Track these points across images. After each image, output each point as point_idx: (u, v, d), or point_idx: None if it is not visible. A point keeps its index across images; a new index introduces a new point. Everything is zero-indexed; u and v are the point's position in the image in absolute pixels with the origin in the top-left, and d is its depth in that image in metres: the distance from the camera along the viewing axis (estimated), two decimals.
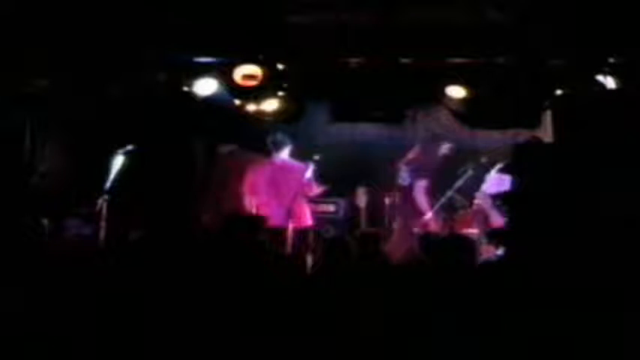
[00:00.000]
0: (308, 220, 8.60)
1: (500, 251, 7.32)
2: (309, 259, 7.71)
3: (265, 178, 8.57)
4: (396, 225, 9.01)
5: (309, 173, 8.40)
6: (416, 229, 8.65)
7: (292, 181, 8.39)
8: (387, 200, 9.33)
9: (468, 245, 5.01)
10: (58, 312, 4.24)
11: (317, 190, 8.60)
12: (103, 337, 4.15)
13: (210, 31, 7.87)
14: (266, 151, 8.90)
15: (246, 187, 8.68)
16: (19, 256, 4.74)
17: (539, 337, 3.96)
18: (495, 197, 8.23)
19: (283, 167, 8.56)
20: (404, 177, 8.98)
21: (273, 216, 7.95)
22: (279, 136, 8.69)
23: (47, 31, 7.60)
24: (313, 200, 8.82)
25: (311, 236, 8.55)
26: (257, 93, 8.48)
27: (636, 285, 4.18)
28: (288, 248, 8.03)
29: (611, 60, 7.48)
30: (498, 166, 8.20)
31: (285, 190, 8.34)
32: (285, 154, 8.65)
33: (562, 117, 5.69)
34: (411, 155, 9.10)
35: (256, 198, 8.56)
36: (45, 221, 6.33)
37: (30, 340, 4.10)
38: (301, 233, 8.41)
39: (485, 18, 7.42)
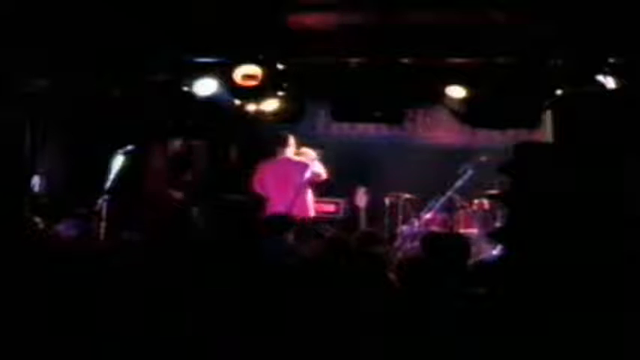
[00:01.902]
0: (309, 212, 8.54)
1: (496, 251, 7.35)
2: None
3: (273, 175, 8.54)
4: None
5: (315, 164, 8.38)
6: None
7: (298, 176, 8.36)
8: (386, 200, 9.33)
9: (467, 245, 5.01)
10: (56, 311, 4.24)
11: (325, 175, 8.55)
12: (103, 336, 4.15)
13: (210, 31, 7.87)
14: (266, 151, 8.91)
15: (255, 184, 8.66)
16: (18, 256, 4.74)
17: (538, 336, 3.96)
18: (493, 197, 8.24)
19: (289, 163, 8.53)
20: None
21: (280, 210, 7.95)
22: (284, 134, 8.65)
23: (47, 31, 7.60)
24: (314, 200, 8.79)
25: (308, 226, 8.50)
26: (257, 93, 8.48)
27: (636, 285, 4.18)
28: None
29: (611, 60, 7.48)
30: None
31: (291, 185, 8.31)
32: (290, 151, 8.61)
33: (562, 117, 5.69)
34: None
35: (265, 194, 8.55)
36: (38, 220, 6.33)
37: (29, 339, 4.10)
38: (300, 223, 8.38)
39: (485, 18, 7.41)
